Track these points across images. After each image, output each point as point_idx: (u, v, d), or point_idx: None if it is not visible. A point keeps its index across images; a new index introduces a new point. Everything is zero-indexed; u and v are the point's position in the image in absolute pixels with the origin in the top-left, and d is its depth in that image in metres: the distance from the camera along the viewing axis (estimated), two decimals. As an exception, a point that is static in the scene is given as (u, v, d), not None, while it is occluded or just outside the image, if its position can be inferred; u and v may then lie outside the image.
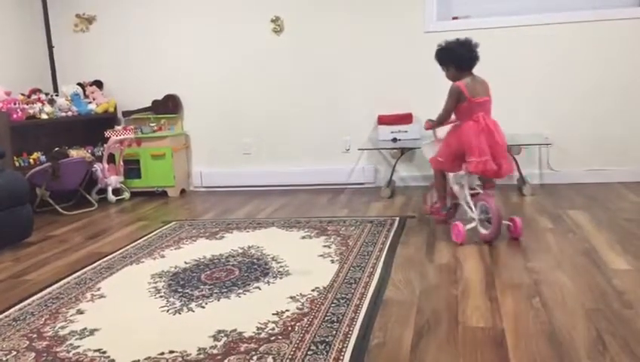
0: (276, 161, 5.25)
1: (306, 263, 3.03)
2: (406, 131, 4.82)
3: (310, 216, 4.07)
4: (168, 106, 5.29)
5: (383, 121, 4.92)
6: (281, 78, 5.14)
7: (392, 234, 3.49)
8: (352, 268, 2.90)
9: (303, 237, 3.54)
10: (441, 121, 3.41)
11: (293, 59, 5.10)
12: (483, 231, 3.22)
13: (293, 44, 5.08)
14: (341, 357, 1.97)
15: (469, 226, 3.24)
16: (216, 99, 5.30)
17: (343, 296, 2.53)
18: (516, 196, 4.45)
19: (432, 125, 3.50)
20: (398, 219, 3.84)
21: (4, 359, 2.11)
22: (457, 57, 3.29)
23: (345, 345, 2.05)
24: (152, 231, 3.87)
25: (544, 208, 4.00)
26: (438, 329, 2.16)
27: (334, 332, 2.17)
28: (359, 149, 4.98)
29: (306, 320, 2.30)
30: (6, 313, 2.56)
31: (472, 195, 3.32)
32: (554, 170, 4.86)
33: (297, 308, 2.41)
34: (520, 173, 4.60)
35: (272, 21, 5.08)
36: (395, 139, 4.78)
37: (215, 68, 5.25)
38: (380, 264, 2.94)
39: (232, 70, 5.22)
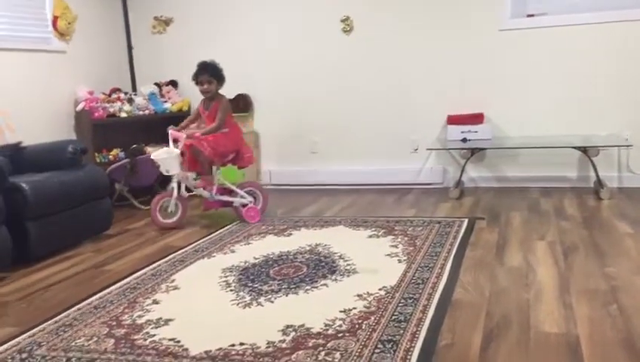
0: (344, 160, 5.27)
1: (373, 262, 3.04)
2: (476, 131, 4.72)
3: (377, 216, 4.07)
4: (239, 105, 5.40)
5: (452, 120, 4.85)
6: (350, 77, 5.16)
7: (460, 235, 3.44)
8: (419, 269, 2.88)
9: (370, 236, 3.55)
10: (217, 129, 3.98)
11: (362, 58, 5.11)
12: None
13: (363, 44, 5.09)
14: (408, 357, 1.97)
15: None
16: (286, 98, 5.38)
17: (411, 295, 2.53)
18: (593, 199, 4.28)
19: (209, 132, 3.96)
20: (467, 220, 3.78)
21: (85, 344, 2.23)
22: (222, 74, 4.08)
23: (412, 345, 2.05)
24: (223, 227, 3.97)
25: (623, 212, 3.83)
26: (508, 332, 2.11)
27: (402, 331, 2.17)
28: (428, 149, 4.92)
29: (373, 318, 2.31)
30: (88, 301, 2.70)
31: (239, 185, 4.20)
32: (634, 172, 4.64)
33: (364, 306, 2.43)
34: (597, 176, 4.42)
35: (342, 21, 5.10)
36: (465, 140, 4.70)
37: (285, 67, 5.33)
38: (449, 265, 2.91)
39: (301, 70, 5.28)
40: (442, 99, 4.95)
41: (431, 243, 3.31)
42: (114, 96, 5.10)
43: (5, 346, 2.24)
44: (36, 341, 2.28)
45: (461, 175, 4.75)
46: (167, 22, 5.58)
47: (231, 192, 4.11)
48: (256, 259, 3.20)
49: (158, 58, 5.63)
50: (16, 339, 2.30)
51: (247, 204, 4.09)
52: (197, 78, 4.02)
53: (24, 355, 2.16)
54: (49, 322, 2.46)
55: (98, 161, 4.79)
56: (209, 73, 3.98)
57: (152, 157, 3.95)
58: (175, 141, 3.99)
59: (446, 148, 4.85)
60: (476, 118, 4.78)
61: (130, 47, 5.64)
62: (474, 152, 4.67)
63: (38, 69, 4.61)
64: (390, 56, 5.04)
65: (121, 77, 5.55)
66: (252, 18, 5.35)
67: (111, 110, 4.91)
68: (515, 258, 2.98)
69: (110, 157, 4.91)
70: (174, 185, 3.96)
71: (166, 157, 3.91)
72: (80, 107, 4.80)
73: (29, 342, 2.27)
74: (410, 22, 4.95)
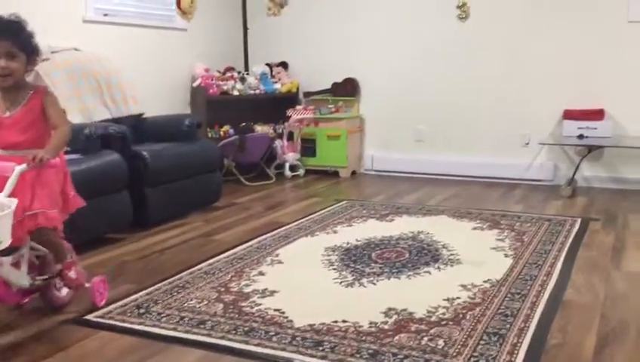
0: (449, 150, 5.16)
1: (477, 254, 2.97)
2: (595, 128, 4.46)
3: (482, 208, 3.96)
4: (347, 89, 5.43)
5: (569, 115, 4.61)
6: (463, 65, 5.02)
7: (572, 234, 3.28)
8: (527, 265, 2.78)
9: (475, 228, 3.46)
10: (69, 137, 2.25)
11: (476, 46, 4.95)
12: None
13: (479, 31, 4.93)
14: (516, 352, 1.91)
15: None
16: (394, 84, 5.33)
17: (518, 291, 2.45)
18: None
19: (60, 146, 2.22)
20: (580, 220, 3.59)
21: (197, 306, 2.35)
22: (36, 46, 2.20)
23: (520, 341, 1.99)
24: (325, 208, 4.02)
25: None
26: (625, 338, 2.00)
27: (508, 326, 2.11)
28: (541, 144, 4.71)
29: (478, 309, 2.26)
30: (198, 266, 2.83)
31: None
32: None
33: (469, 297, 2.38)
34: None
35: (458, 7, 4.97)
36: (581, 136, 4.45)
37: (396, 53, 5.28)
38: (559, 264, 2.79)
39: (412, 56, 5.20)
40: (559, 92, 4.71)
41: (540, 240, 3.18)
42: (228, 74, 5.27)
43: (125, 301, 2.41)
44: (152, 298, 2.43)
45: (574, 173, 4.51)
46: (281, 4, 5.68)
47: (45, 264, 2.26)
48: (358, 241, 3.22)
49: (270, 39, 5.75)
50: (135, 296, 2.46)
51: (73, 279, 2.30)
52: None
53: (142, 310, 2.31)
54: (164, 282, 2.61)
55: (210, 136, 4.99)
56: (11, 40, 2.11)
57: None
58: None
59: (561, 143, 4.62)
60: (596, 114, 4.51)
61: (245, 28, 5.81)
62: (591, 150, 4.42)
63: (161, 45, 4.85)
64: (507, 46, 4.86)
65: (235, 56, 5.73)
66: (365, 2, 5.33)
67: (224, 88, 5.09)
68: (633, 263, 2.80)
69: (221, 133, 5.10)
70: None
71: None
72: (196, 83, 5.01)
73: (146, 299, 2.42)
74: (531, 10, 4.73)
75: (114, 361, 1.94)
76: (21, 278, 2.07)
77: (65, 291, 2.35)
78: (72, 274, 2.29)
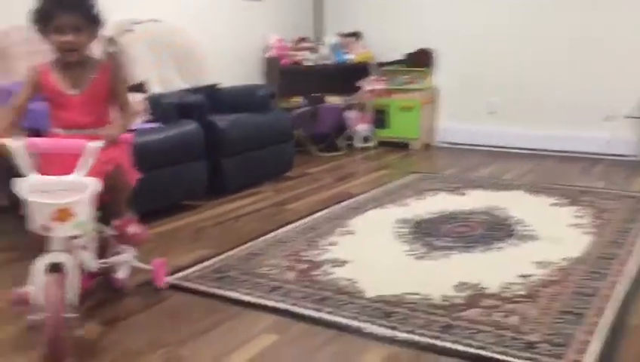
0: (524, 123, 4.98)
1: (554, 230, 2.88)
2: (687, 101, 4.20)
3: (561, 184, 3.82)
4: (421, 60, 5.32)
5: (658, 87, 4.35)
6: (538, 35, 4.80)
7: (657, 213, 3.13)
8: (607, 243, 2.68)
9: (553, 204, 3.36)
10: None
11: (554, 16, 4.72)
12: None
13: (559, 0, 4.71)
14: (593, 332, 1.86)
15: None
16: (468, 56, 5.17)
17: (597, 270, 2.37)
18: None
19: (128, 126, 2.17)
20: (666, 198, 3.42)
21: (270, 273, 2.41)
22: (99, 15, 2.08)
23: (599, 320, 1.93)
24: (396, 180, 4.00)
25: None
26: None
27: (587, 305, 2.05)
28: (626, 117, 4.47)
29: (553, 287, 2.21)
30: (271, 234, 2.90)
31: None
32: None
33: (544, 274, 2.32)
34: None
35: (538, -26, 4.76)
36: (671, 109, 4.20)
37: (470, 24, 5.11)
38: (642, 243, 2.68)
39: (488, 27, 5.02)
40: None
41: (622, 218, 3.05)
42: (301, 45, 5.28)
43: (202, 265, 2.50)
44: (228, 264, 2.51)
45: (662, 148, 4.28)
46: (355, -27, 5.60)
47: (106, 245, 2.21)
48: (429, 214, 3.19)
49: (344, 9, 5.69)
50: (211, 261, 2.55)
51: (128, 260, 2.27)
52: (49, 19, 1.98)
53: (218, 275, 2.40)
54: (239, 248, 2.69)
55: (282, 106, 5.02)
56: (79, 12, 2.00)
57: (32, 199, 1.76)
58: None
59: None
60: (688, 86, 4.24)
61: (318, -2, 5.79)
62: (681, 124, 4.17)
63: (236, 16, 4.91)
64: (587, 14, 4.60)
65: (308, 27, 5.72)
66: (441, -31, 5.18)
67: (296, 58, 5.11)
68: None
69: (292, 103, 5.12)
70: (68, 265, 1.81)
71: (76, 200, 1.79)
72: (270, 54, 5.05)
73: (222, 264, 2.51)
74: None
75: (193, 323, 2.02)
76: (90, 261, 2.02)
77: (123, 273, 2.25)
78: (130, 229, 2.20)
